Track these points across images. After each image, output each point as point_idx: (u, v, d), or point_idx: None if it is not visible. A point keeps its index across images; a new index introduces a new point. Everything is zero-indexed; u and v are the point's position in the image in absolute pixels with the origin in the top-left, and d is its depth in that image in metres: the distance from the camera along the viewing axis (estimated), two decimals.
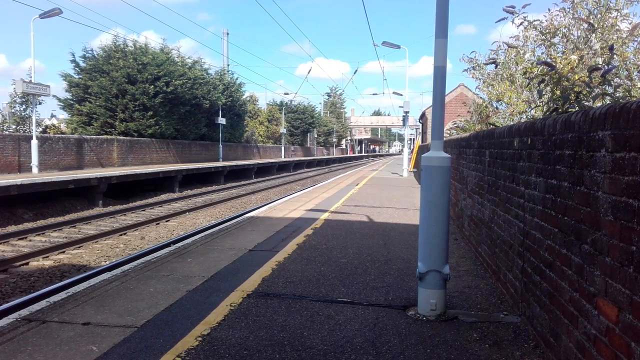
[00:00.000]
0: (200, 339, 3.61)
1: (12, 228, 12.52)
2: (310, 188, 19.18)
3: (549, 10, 7.38)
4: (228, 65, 43.76)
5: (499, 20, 7.59)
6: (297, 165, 49.07)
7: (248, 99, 48.54)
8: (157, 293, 4.69)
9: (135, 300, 4.48)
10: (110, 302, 4.43)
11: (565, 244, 3.06)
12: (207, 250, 6.76)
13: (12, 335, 3.63)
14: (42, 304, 4.29)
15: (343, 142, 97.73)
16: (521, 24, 7.52)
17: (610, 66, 5.48)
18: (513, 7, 7.40)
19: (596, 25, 6.78)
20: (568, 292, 2.98)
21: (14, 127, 23.66)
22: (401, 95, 33.23)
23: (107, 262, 9.01)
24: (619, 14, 6.91)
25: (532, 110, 8.09)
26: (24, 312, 4.08)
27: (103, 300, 4.48)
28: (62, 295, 4.51)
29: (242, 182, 29.30)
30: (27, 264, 8.97)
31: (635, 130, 2.20)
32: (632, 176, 2.22)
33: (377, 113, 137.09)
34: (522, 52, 7.73)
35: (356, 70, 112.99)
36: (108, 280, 5.11)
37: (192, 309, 4.28)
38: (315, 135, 73.14)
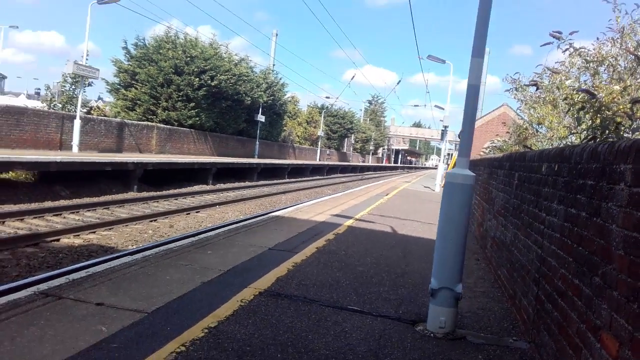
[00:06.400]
0: (206, 330, 3.68)
1: (48, 204, 12.96)
2: (340, 193, 19.21)
3: (597, 39, 7.22)
4: (274, 65, 44.19)
5: (544, 45, 7.46)
6: (331, 170, 49.12)
7: (289, 99, 48.94)
8: (173, 281, 4.81)
9: (151, 286, 4.61)
10: (127, 285, 4.57)
11: (578, 275, 3.01)
12: (228, 244, 6.88)
13: (27, 307, 3.78)
14: (61, 280, 4.45)
15: (380, 150, 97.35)
16: (566, 49, 7.38)
17: None
18: (560, 32, 7.27)
19: None
20: (576, 324, 2.94)
21: (60, 105, 24.50)
22: (443, 109, 32.90)
23: (134, 247, 9.25)
24: None
25: (572, 137, 7.92)
26: (43, 286, 4.25)
27: (120, 282, 4.62)
28: (82, 274, 4.67)
29: (275, 181, 29.52)
30: (58, 240, 9.27)
31: None
32: None
33: (417, 125, 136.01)
34: (564, 77, 7.58)
35: (400, 81, 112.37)
36: (128, 264, 5.26)
37: (204, 300, 4.36)
38: (353, 141, 73.12)
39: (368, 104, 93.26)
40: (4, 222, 10.00)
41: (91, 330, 3.46)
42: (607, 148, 2.78)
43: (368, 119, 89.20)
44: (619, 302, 2.37)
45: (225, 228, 8.30)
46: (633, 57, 6.41)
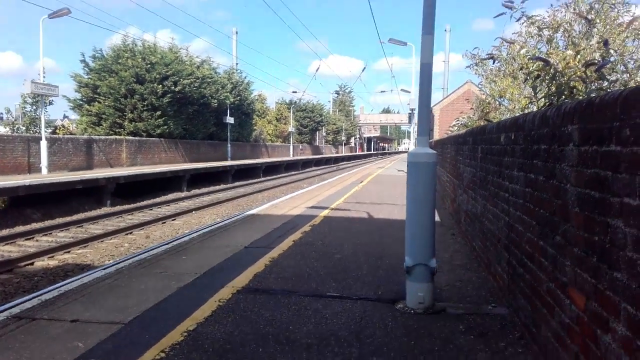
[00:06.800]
0: (185, 334, 3.67)
1: (19, 228, 12.69)
2: (316, 185, 19.23)
3: (551, 5, 7.34)
4: (237, 64, 43.89)
5: (497, 16, 7.56)
6: (306, 164, 49.14)
7: (256, 97, 48.67)
8: (148, 290, 4.76)
9: (126, 297, 4.55)
10: (101, 299, 4.50)
11: (542, 236, 3.09)
12: (202, 247, 6.84)
13: (1, 332, 3.71)
14: (34, 302, 4.36)
15: (352, 140, 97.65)
16: (520, 18, 7.49)
17: (605, 60, 5.46)
18: (512, 1, 7.37)
19: (598, 20, 6.73)
20: (545, 283, 3.01)
21: (24, 128, 23.94)
22: (409, 92, 33.16)
23: (111, 261, 9.13)
24: (621, 7, 6.85)
25: (533, 106, 8.08)
26: (15, 310, 4.16)
27: (94, 297, 4.56)
28: (54, 293, 4.59)
29: (250, 181, 29.42)
30: (32, 264, 9.10)
31: (597, 124, 2.22)
32: (594, 169, 2.25)
33: (386, 111, 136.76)
34: (519, 47, 7.70)
35: (364, 68, 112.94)
36: (101, 278, 5.18)
37: (181, 305, 4.34)
38: (324, 134, 73.18)
39: (336, 95, 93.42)
40: None
41: (68, 348, 3.41)
42: (554, 112, 2.85)
43: (337, 110, 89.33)
44: (579, 258, 2.43)
45: (200, 232, 8.25)
46: (584, 20, 6.54)
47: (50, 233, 12.00)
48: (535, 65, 6.81)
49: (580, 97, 4.77)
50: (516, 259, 3.81)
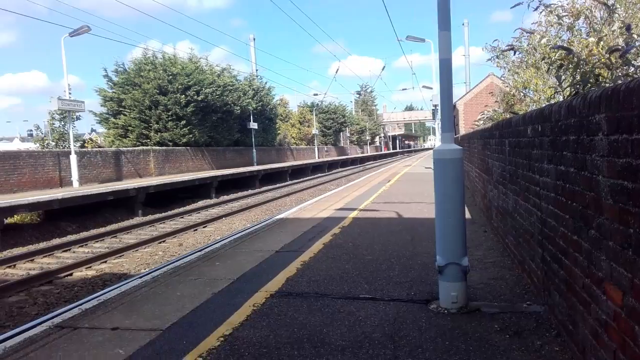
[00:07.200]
0: (222, 339, 3.73)
1: (56, 241, 13.06)
2: (343, 187, 19.24)
3: None
4: (257, 70, 44.21)
5: (514, 6, 7.46)
6: (332, 165, 49.18)
7: (278, 102, 48.98)
8: (184, 297, 4.86)
9: (163, 304, 4.66)
10: (139, 307, 4.62)
11: (576, 230, 3.03)
12: (234, 253, 6.93)
13: (44, 342, 3.84)
14: (74, 311, 4.51)
15: (377, 139, 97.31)
16: (537, 7, 7.37)
17: (629, 46, 5.33)
18: None
19: (618, 5, 6.58)
20: (581, 279, 2.96)
21: (53, 143, 24.60)
22: (431, 88, 32.89)
23: (146, 270, 9.31)
24: None
25: (559, 96, 7.94)
26: (57, 319, 4.31)
27: (132, 305, 4.68)
28: (94, 302, 4.73)
29: (277, 185, 29.60)
30: (71, 274, 9.35)
31: (625, 112, 2.18)
32: (625, 158, 2.21)
33: (409, 108, 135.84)
34: (539, 37, 7.58)
35: (384, 67, 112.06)
36: (138, 286, 5.31)
37: (217, 310, 4.41)
38: (348, 134, 73.09)
39: (357, 95, 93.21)
40: (14, 265, 10.09)
41: (109, 355, 3.51)
42: (580, 101, 2.80)
43: (360, 110, 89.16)
44: (615, 252, 2.39)
45: (232, 238, 8.36)
46: (604, 7, 6.41)
47: (86, 244, 12.30)
48: (557, 54, 6.69)
49: (607, 84, 4.67)
50: (550, 255, 3.75)
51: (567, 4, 7.18)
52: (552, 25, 7.56)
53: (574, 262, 3.11)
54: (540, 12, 7.18)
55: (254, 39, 46.01)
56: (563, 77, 5.90)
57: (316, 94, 62.17)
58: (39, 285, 8.51)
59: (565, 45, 6.14)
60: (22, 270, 9.85)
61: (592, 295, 2.76)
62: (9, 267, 9.97)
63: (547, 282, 3.95)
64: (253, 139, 36.86)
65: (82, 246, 12.12)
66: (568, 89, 5.85)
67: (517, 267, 5.38)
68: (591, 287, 2.76)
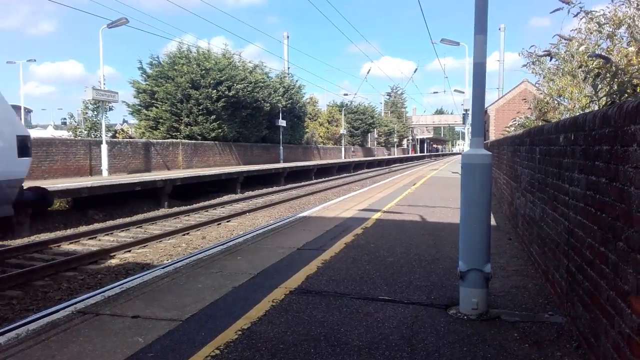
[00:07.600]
0: (240, 332, 3.76)
1: (83, 228, 13.32)
2: (367, 188, 19.18)
3: (612, 1, 7.04)
4: (289, 68, 44.40)
5: (554, 11, 7.32)
6: (358, 166, 49.05)
7: (308, 100, 49.11)
8: (205, 289, 4.91)
9: (183, 295, 4.72)
10: (160, 296, 4.69)
11: (603, 242, 2.97)
12: (257, 248, 6.97)
13: (66, 326, 3.93)
14: (97, 298, 4.60)
15: (404, 141, 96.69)
16: (577, 14, 7.21)
17: None
18: None
19: None
20: (606, 291, 2.89)
21: (85, 132, 25.15)
22: (463, 92, 32.52)
23: (169, 261, 9.44)
24: None
25: (594, 106, 7.77)
26: (80, 305, 4.40)
27: (153, 295, 4.75)
28: (116, 290, 4.82)
29: (302, 183, 29.66)
30: (95, 262, 9.53)
31: None
32: None
33: (439, 112, 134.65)
34: (577, 45, 7.43)
35: (416, 69, 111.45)
36: (160, 276, 5.39)
37: (236, 304, 4.45)
38: (376, 136, 72.84)
39: (387, 97, 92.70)
40: (42, 251, 10.33)
41: (128, 342, 3.57)
42: (616, 111, 2.73)
43: (389, 112, 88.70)
44: None
45: (255, 233, 8.41)
46: None
47: (112, 233, 12.52)
48: (595, 63, 6.55)
49: None
50: (575, 266, 3.67)
51: (609, 12, 7.02)
52: (591, 33, 7.40)
53: (599, 274, 3.04)
54: (581, 19, 7.03)
55: (288, 37, 46.22)
56: (600, 86, 5.78)
57: (346, 94, 62.17)
58: (64, 271, 8.69)
59: (604, 54, 6.00)
60: (48, 255, 10.09)
61: (616, 309, 2.70)
62: (37, 251, 10.21)
63: (570, 293, 3.87)
64: (281, 136, 37.04)
65: (107, 234, 12.34)
66: (604, 98, 5.72)
67: (540, 276, 5.29)
68: (616, 300, 2.70)
